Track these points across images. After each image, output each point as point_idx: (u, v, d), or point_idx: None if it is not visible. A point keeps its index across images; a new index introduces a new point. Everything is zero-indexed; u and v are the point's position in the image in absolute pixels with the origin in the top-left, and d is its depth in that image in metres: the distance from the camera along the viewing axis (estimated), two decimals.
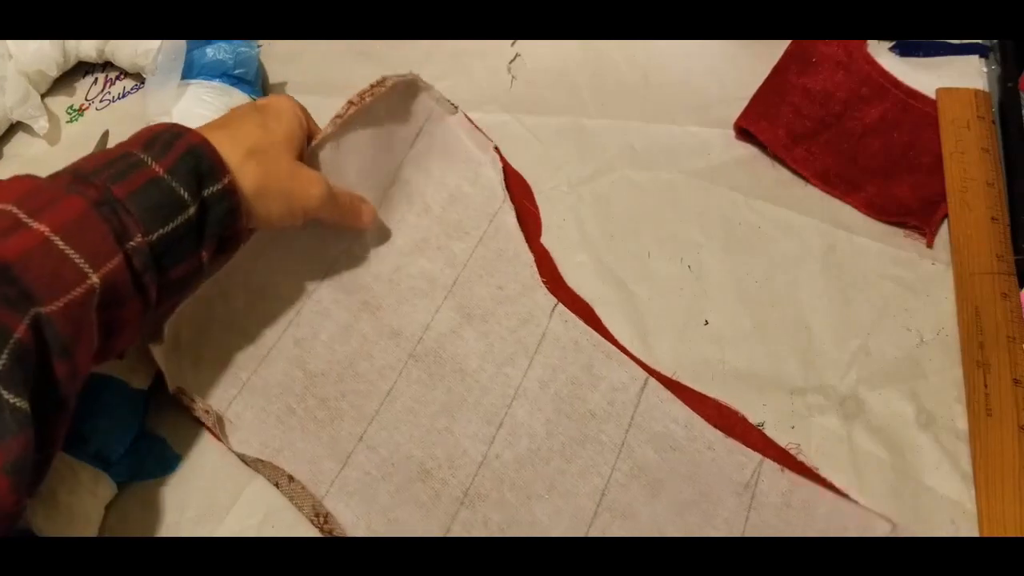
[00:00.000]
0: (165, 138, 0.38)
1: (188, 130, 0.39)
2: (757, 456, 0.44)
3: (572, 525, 0.42)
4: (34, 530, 0.39)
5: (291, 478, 0.43)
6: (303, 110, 0.47)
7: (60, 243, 0.33)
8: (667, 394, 0.46)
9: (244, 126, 0.42)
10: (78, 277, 0.33)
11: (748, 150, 0.55)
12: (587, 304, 0.49)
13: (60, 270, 0.33)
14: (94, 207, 0.35)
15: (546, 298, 0.49)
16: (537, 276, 0.50)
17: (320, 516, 0.42)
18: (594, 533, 0.42)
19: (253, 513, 0.43)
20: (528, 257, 0.51)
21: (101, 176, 0.36)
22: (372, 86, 0.49)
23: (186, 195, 0.37)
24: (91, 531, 0.42)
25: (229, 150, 0.40)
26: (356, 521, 0.42)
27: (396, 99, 0.51)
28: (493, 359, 0.47)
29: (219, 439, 0.44)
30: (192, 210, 0.38)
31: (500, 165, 0.53)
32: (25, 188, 0.34)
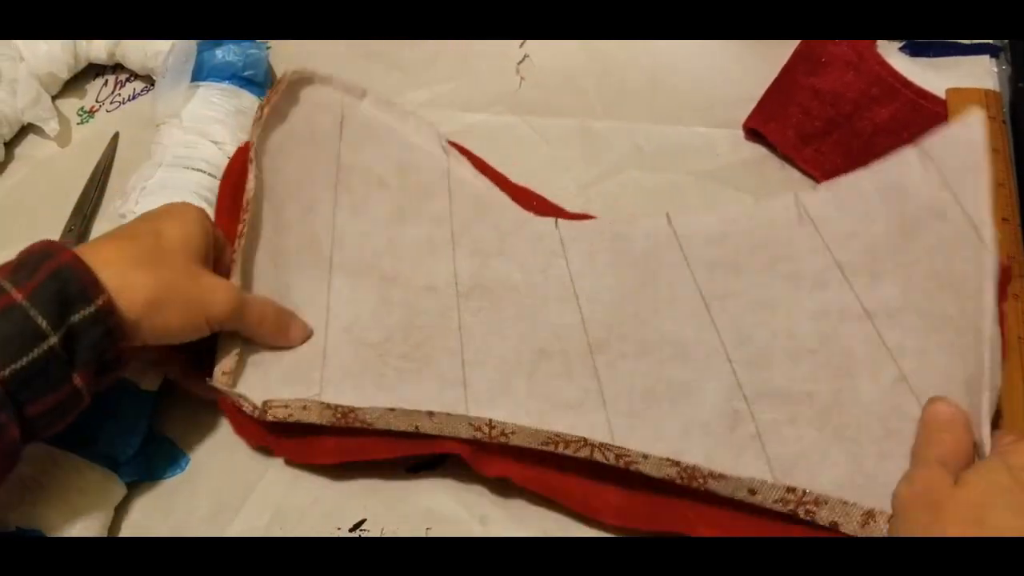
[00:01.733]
0: (35, 260, 0.36)
1: (61, 249, 0.37)
2: (790, 194, 0.47)
3: (696, 320, 0.44)
4: (43, 530, 0.40)
5: (431, 413, 0.40)
6: (206, 215, 0.44)
7: None
8: (690, 215, 0.48)
9: (135, 234, 0.40)
10: None
11: (757, 151, 0.54)
12: (584, 214, 0.51)
13: None
14: None
15: (543, 221, 0.50)
16: (523, 211, 0.51)
17: (482, 428, 0.40)
18: (716, 316, 0.44)
19: (262, 514, 0.44)
20: (503, 198, 0.51)
21: None
22: (274, 87, 0.51)
23: (45, 324, 0.34)
24: (100, 531, 0.42)
25: (114, 262, 0.37)
26: (515, 415, 0.41)
27: (303, 96, 0.52)
28: (532, 267, 0.48)
29: (341, 436, 0.42)
30: (54, 339, 0.35)
31: (426, 129, 0.54)
32: None
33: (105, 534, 0.42)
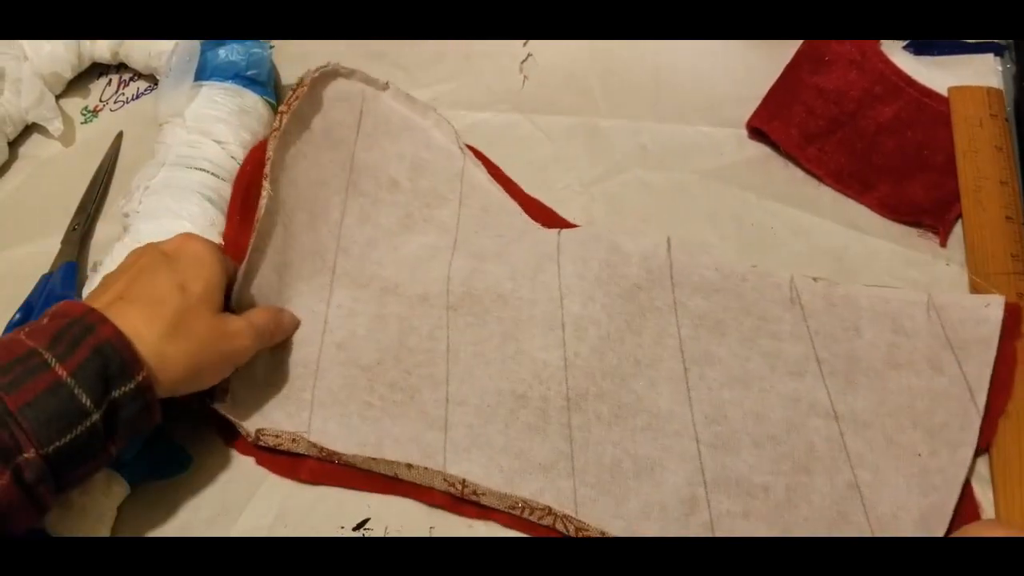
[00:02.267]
0: (75, 332, 0.36)
1: (100, 320, 0.37)
2: (787, 273, 0.48)
3: (672, 388, 0.45)
4: (48, 530, 0.40)
5: (409, 465, 0.42)
6: (220, 254, 0.44)
7: None
8: (690, 247, 0.49)
9: (159, 292, 0.39)
10: None
11: (761, 150, 0.54)
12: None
13: None
14: None
15: (548, 232, 0.50)
16: (530, 221, 0.51)
17: (456, 484, 0.42)
18: (693, 386, 0.45)
19: (266, 513, 0.44)
20: (513, 205, 0.52)
21: None
22: (294, 89, 0.50)
23: (88, 402, 0.35)
24: (104, 531, 0.42)
25: (146, 331, 0.38)
26: (487, 471, 0.43)
27: (324, 93, 0.52)
28: (523, 275, 0.48)
29: (324, 462, 0.43)
30: (96, 416, 0.35)
31: (446, 126, 0.54)
32: None
33: (108, 534, 0.42)
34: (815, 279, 0.47)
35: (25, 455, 0.34)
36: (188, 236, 0.44)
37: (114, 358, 0.36)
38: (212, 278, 0.41)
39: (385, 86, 0.55)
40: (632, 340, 0.46)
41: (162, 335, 0.38)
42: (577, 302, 0.47)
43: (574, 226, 0.51)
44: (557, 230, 0.50)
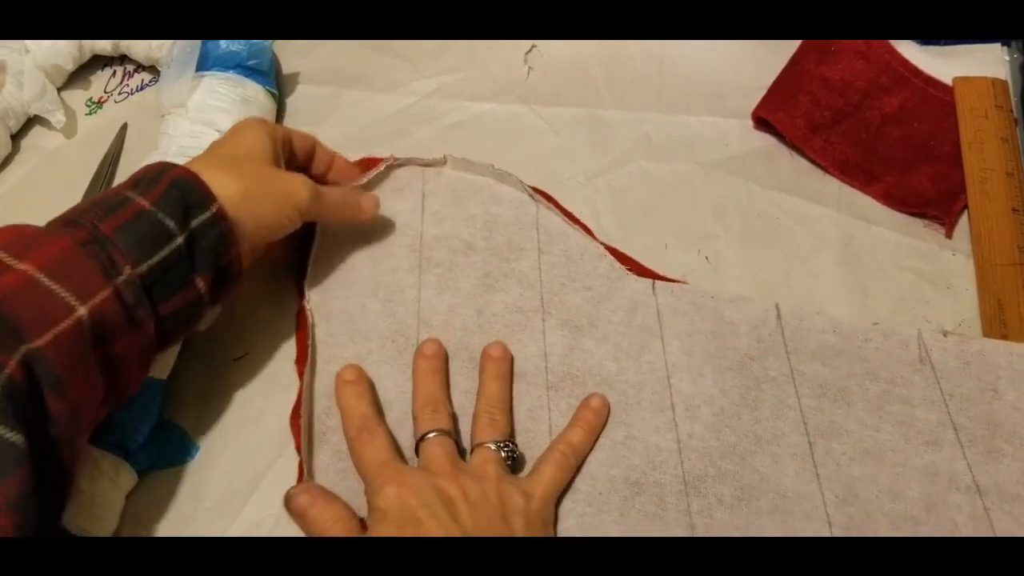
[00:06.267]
0: (151, 175, 0.40)
1: (173, 165, 0.40)
2: (913, 330, 0.45)
3: (798, 465, 0.42)
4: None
5: None
6: (272, 125, 0.47)
7: (45, 280, 0.34)
8: (801, 311, 0.46)
9: (213, 151, 0.44)
10: (64, 310, 0.34)
11: (766, 141, 0.54)
12: (673, 278, 0.49)
13: (46, 305, 0.34)
14: (80, 245, 0.35)
15: (638, 282, 0.48)
16: (617, 264, 0.49)
17: None
18: (820, 462, 0.42)
19: (273, 502, 0.43)
20: (596, 248, 0.50)
21: (89, 216, 0.37)
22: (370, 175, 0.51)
23: (172, 225, 0.38)
24: (112, 519, 0.42)
25: (205, 171, 0.41)
26: None
27: (386, 183, 0.52)
28: (627, 355, 0.46)
29: None
30: (180, 239, 0.38)
31: (509, 176, 0.52)
32: (12, 234, 0.36)
33: (117, 522, 0.42)
34: (945, 334, 0.45)
35: (122, 275, 0.36)
36: (238, 121, 0.47)
37: (190, 190, 0.39)
38: (260, 138, 0.45)
39: (444, 161, 0.53)
40: (749, 415, 0.44)
41: (218, 168, 0.41)
42: (686, 380, 0.45)
43: (661, 276, 0.49)
44: (650, 283, 0.48)
